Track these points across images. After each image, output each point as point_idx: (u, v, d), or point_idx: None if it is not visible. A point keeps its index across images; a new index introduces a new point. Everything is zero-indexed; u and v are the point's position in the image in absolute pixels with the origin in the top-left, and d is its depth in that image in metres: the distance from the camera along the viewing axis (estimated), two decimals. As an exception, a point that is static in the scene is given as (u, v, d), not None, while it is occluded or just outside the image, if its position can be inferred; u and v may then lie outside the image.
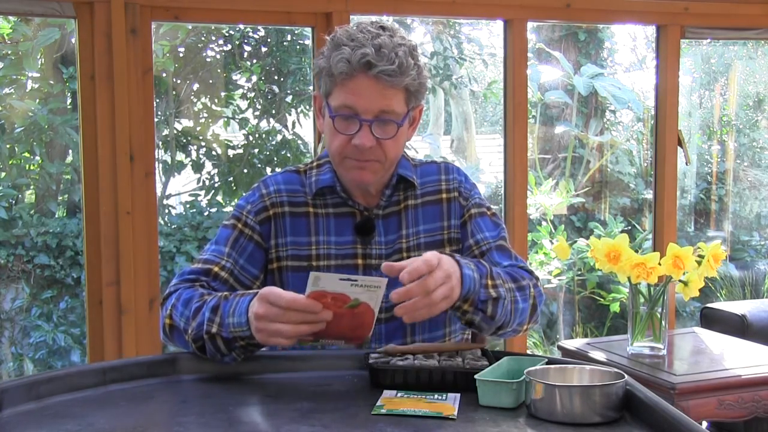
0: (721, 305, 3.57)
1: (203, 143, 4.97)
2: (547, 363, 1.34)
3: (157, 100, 4.64)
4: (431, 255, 1.39)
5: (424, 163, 1.74)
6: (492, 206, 1.75)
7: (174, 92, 4.96)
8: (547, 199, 5.31)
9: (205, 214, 4.83)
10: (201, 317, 1.47)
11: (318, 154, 1.88)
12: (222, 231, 1.65)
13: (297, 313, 1.34)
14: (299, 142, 4.98)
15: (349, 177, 1.60)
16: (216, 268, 1.59)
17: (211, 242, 1.65)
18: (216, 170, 4.95)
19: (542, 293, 1.63)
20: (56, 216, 4.63)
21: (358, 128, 1.52)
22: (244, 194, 1.70)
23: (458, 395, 1.30)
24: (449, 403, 1.27)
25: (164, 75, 4.79)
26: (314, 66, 1.60)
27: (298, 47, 5.02)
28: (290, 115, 5.03)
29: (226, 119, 5.11)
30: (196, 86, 5.11)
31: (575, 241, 4.75)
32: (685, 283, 2.61)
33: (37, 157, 4.64)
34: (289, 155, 4.99)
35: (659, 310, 2.61)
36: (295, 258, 1.62)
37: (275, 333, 1.36)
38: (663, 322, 2.64)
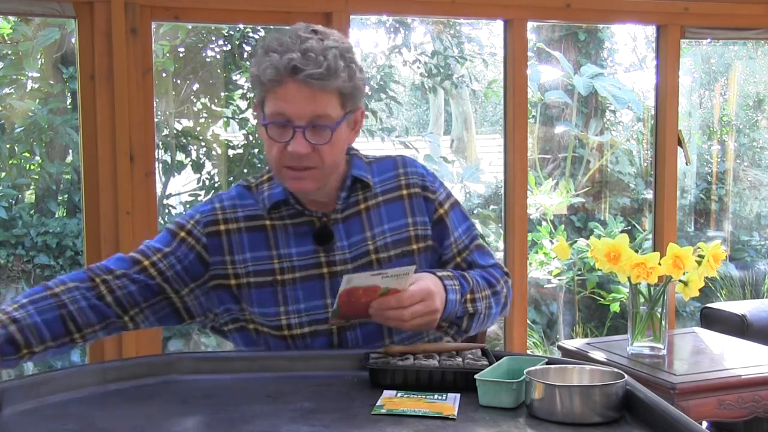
0: (721, 305, 3.57)
1: (203, 143, 4.96)
2: (547, 363, 1.34)
3: (157, 100, 4.64)
4: (431, 285, 1.49)
5: (379, 159, 1.72)
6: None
7: (174, 92, 4.96)
8: (547, 199, 5.30)
9: (205, 214, 4.82)
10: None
11: None
12: (164, 234, 1.63)
13: None
14: (299, 141, 4.97)
15: (289, 187, 1.58)
16: (147, 263, 1.59)
17: (153, 239, 1.64)
18: (216, 170, 4.95)
19: (511, 288, 1.73)
20: (56, 216, 4.63)
21: (292, 135, 1.50)
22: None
23: (458, 395, 1.30)
24: (449, 403, 1.27)
25: (164, 75, 4.78)
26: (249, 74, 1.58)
27: (297, 47, 5.01)
28: (290, 115, 5.03)
29: (226, 119, 5.10)
30: (196, 86, 5.10)
31: (575, 241, 4.74)
32: (685, 283, 2.61)
33: (37, 157, 4.64)
34: (288, 155, 4.98)
35: (659, 310, 2.61)
36: (258, 274, 1.60)
37: None
38: (663, 322, 2.64)
